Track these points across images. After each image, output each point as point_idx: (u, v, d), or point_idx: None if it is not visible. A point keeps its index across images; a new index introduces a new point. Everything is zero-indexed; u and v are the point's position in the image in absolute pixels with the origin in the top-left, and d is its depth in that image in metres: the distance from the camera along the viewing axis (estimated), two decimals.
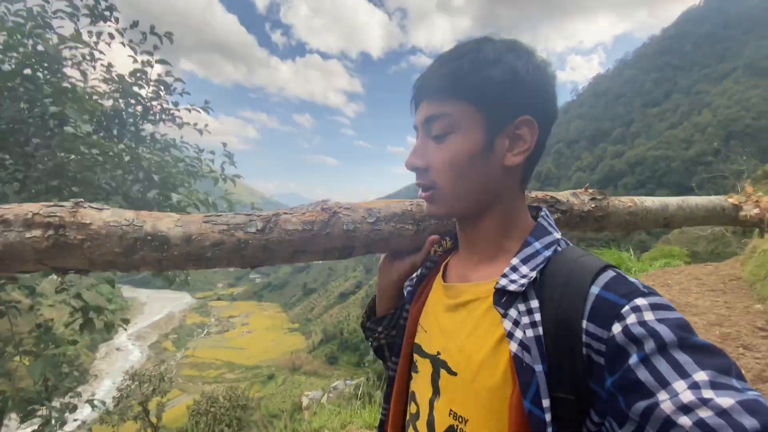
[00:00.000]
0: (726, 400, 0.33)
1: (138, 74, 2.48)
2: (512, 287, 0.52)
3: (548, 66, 0.57)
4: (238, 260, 0.65)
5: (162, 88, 2.58)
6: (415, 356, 0.66)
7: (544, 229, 0.59)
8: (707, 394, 0.34)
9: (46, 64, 2.09)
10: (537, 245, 0.56)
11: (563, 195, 0.93)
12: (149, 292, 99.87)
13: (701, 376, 0.36)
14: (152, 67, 2.50)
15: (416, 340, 0.67)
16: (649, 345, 0.39)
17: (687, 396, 0.35)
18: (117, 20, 2.41)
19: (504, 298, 0.53)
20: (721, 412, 0.33)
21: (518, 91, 0.54)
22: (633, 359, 0.40)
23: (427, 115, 0.58)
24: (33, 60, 2.04)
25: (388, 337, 0.82)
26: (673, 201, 1.23)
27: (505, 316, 0.52)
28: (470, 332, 0.56)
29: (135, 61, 2.47)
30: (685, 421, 0.34)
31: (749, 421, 0.32)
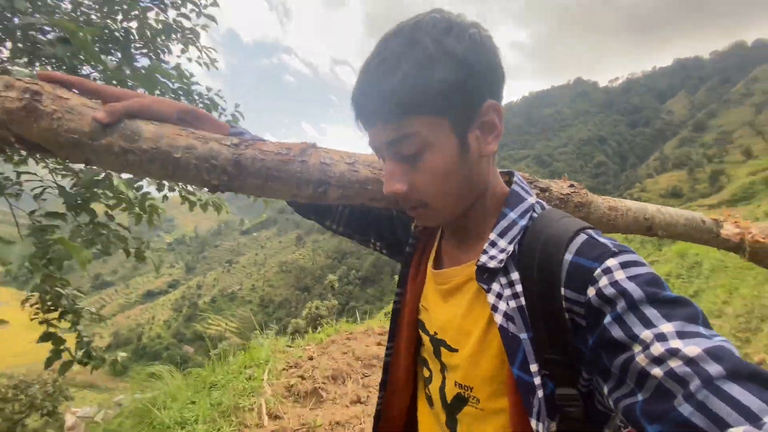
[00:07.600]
0: (693, 349, 0.35)
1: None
2: (492, 264, 0.53)
3: (486, 33, 0.52)
4: (206, 170, 0.63)
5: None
6: (420, 332, 0.67)
7: (519, 195, 0.58)
8: (675, 344, 0.36)
9: None
10: (512, 215, 0.56)
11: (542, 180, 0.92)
12: None
13: (668, 327, 0.37)
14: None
15: (420, 317, 0.67)
16: (621, 304, 0.41)
17: (657, 349, 0.36)
18: None
19: (486, 274, 0.54)
20: (689, 361, 0.34)
21: (474, 80, 0.49)
22: (607, 319, 0.41)
23: (390, 139, 0.52)
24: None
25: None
26: (650, 205, 1.19)
27: (488, 291, 0.53)
28: (466, 312, 0.57)
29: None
30: (657, 372, 0.36)
31: (714, 368, 0.33)
